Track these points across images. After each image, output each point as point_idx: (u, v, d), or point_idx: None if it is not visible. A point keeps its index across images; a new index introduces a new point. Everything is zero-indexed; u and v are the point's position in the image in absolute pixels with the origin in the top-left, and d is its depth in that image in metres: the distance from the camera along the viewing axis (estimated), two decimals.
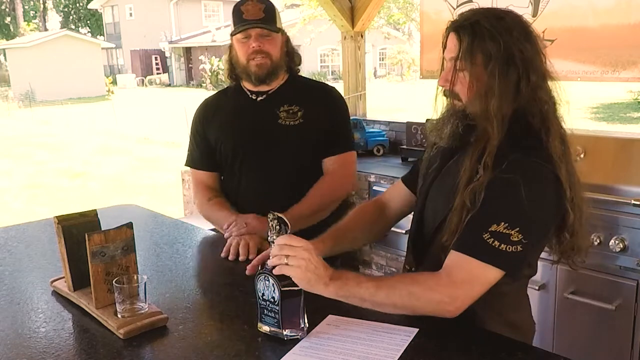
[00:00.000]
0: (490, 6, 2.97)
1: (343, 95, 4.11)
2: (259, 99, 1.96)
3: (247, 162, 1.96)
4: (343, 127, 2.03)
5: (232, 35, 1.89)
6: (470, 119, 1.26)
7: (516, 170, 1.15)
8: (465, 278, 1.14)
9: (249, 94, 1.97)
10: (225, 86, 2.08)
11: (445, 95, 1.31)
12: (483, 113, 1.21)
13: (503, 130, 1.19)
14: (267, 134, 1.93)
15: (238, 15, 1.86)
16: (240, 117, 1.97)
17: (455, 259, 1.16)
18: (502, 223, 1.13)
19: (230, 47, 1.95)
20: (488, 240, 1.13)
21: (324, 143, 1.95)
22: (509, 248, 1.12)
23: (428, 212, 1.37)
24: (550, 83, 1.26)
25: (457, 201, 1.22)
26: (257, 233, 1.71)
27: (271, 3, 1.89)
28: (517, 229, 1.13)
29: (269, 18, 1.85)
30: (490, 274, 1.14)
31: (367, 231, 1.55)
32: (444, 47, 1.28)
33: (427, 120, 1.40)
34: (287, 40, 1.95)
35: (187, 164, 2.08)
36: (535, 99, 1.22)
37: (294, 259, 1.15)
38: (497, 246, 1.13)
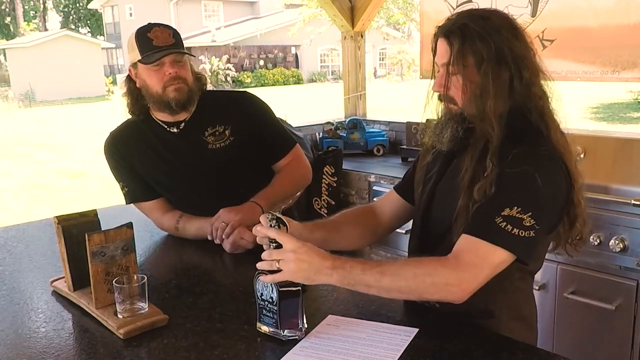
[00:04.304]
0: (488, 6, 2.98)
1: (343, 95, 4.14)
2: (178, 130, 1.86)
3: (188, 197, 1.90)
4: (275, 127, 1.98)
5: (141, 63, 1.75)
6: (469, 122, 1.27)
7: (526, 161, 1.16)
8: (473, 260, 1.14)
9: (165, 127, 1.86)
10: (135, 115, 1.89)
11: (440, 100, 1.32)
12: (480, 114, 1.22)
13: (502, 129, 1.20)
14: (202, 165, 1.85)
15: (146, 42, 1.73)
16: (166, 153, 1.86)
17: (464, 242, 1.16)
18: (515, 207, 1.14)
19: (129, 79, 1.83)
20: (500, 224, 1.13)
21: (266, 152, 1.92)
22: (522, 233, 1.13)
23: (435, 215, 1.37)
24: (542, 79, 1.27)
25: (460, 202, 1.22)
26: (242, 224, 1.70)
27: (174, 28, 1.80)
28: (530, 213, 1.13)
29: (178, 43, 1.77)
30: (497, 256, 1.14)
31: (358, 227, 1.51)
32: (434, 52, 1.30)
33: (427, 120, 1.40)
34: (191, 64, 1.86)
35: (130, 202, 1.93)
36: (529, 95, 1.23)
37: (282, 262, 1.15)
38: (509, 230, 1.13)
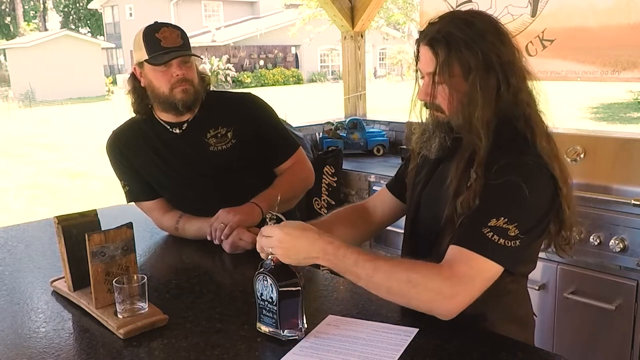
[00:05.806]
0: (488, 6, 2.97)
1: (343, 95, 4.13)
2: (180, 131, 1.85)
3: (189, 198, 1.90)
4: (278, 130, 1.97)
5: (149, 63, 1.74)
6: (456, 132, 1.26)
7: (511, 171, 1.16)
8: (467, 272, 1.12)
9: (168, 127, 1.86)
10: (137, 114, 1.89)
11: (426, 107, 1.30)
12: (467, 125, 1.20)
13: (490, 139, 1.19)
14: (203, 166, 1.84)
15: (154, 42, 1.72)
16: (167, 153, 1.86)
17: (455, 254, 1.15)
18: (502, 218, 1.13)
19: (133, 77, 1.82)
20: (488, 235, 1.13)
21: (268, 155, 1.91)
22: (507, 243, 1.12)
23: (423, 220, 1.37)
24: (529, 80, 1.25)
25: (446, 212, 1.22)
26: (241, 224, 1.70)
27: (182, 29, 1.79)
28: (516, 224, 1.13)
29: (186, 44, 1.76)
30: (491, 270, 1.13)
31: (349, 228, 1.50)
32: (417, 58, 1.28)
33: (407, 122, 1.39)
34: (196, 65, 1.85)
35: (130, 201, 1.95)
36: (516, 102, 1.21)
37: (273, 250, 1.17)
38: (496, 240, 1.12)
